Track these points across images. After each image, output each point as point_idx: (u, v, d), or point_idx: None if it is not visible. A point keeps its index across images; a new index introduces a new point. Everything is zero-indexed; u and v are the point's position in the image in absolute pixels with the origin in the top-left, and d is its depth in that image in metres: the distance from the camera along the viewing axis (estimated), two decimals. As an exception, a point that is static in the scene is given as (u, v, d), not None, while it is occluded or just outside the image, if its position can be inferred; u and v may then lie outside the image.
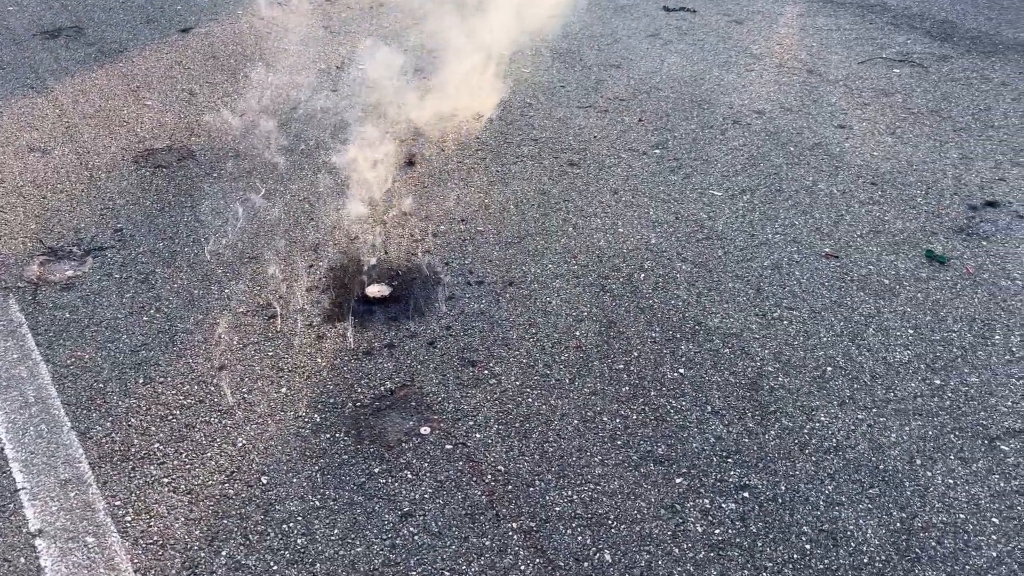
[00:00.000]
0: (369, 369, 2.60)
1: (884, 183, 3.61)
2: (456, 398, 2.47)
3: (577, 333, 2.75)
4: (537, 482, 2.20)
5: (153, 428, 2.38)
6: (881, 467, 2.21)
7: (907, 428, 2.32)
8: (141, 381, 2.55)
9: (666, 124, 4.23)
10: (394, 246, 3.21)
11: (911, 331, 2.70)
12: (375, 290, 2.93)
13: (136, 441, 2.33)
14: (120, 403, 2.46)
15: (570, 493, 2.16)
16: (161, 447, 2.32)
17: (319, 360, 2.64)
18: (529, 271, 3.06)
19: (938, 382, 2.48)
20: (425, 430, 2.36)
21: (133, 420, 2.40)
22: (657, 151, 3.95)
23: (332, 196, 3.54)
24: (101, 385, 2.53)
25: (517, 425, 2.37)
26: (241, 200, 3.51)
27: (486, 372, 2.58)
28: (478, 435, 2.34)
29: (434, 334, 2.74)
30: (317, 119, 4.21)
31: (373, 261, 3.12)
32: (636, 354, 2.63)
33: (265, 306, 2.88)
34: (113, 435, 2.35)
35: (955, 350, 2.61)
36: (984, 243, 3.17)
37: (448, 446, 2.31)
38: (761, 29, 5.47)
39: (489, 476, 2.22)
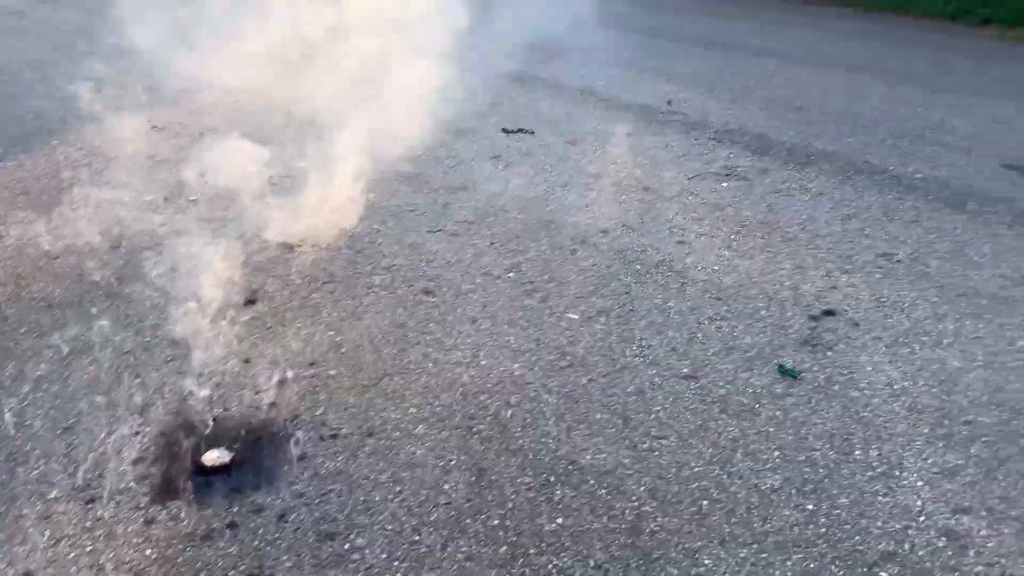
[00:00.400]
0: (209, 557, 2.26)
1: (728, 298, 3.72)
2: (315, 583, 2.18)
3: (446, 487, 2.54)
4: None
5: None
6: (770, 610, 2.12)
7: (789, 563, 2.27)
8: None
9: (517, 246, 4.21)
10: (234, 400, 2.91)
11: (777, 453, 2.70)
12: (213, 457, 2.61)
13: None
14: None
15: None
16: None
17: (148, 552, 2.27)
18: (389, 417, 2.85)
19: (810, 507, 2.47)
20: (280, 629, 2.05)
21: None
22: (511, 275, 3.90)
23: (160, 347, 3.20)
24: None
25: (387, 609, 2.11)
26: (53, 358, 3.09)
27: (347, 546, 2.31)
28: (341, 627, 2.06)
29: (284, 504, 2.45)
30: (142, 258, 3.87)
31: (210, 421, 2.80)
32: (511, 505, 2.46)
33: (82, 488, 2.48)
34: None
35: (821, 470, 2.62)
36: (829, 353, 3.29)
37: (307, 647, 2.01)
38: (596, 149, 5.69)
39: None
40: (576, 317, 3.54)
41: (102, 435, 2.71)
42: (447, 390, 3.02)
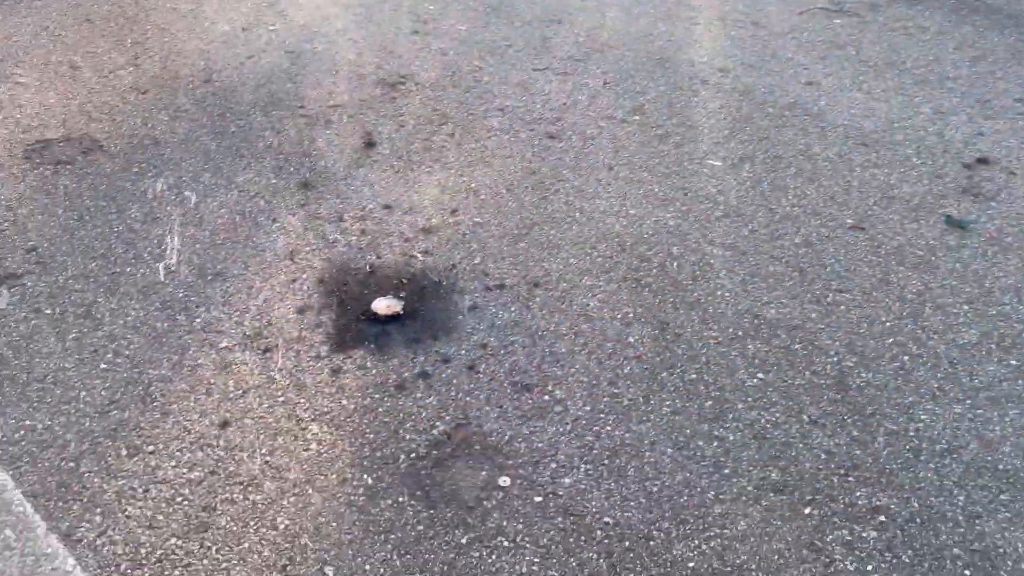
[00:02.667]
0: (410, 408, 2.17)
1: (874, 144, 3.49)
2: (525, 435, 2.11)
3: (631, 339, 2.43)
4: (655, 533, 1.89)
5: (161, 517, 1.86)
6: (1000, 467, 2.06)
7: (1007, 419, 2.18)
8: (125, 453, 2.00)
9: (634, 87, 3.91)
10: (385, 248, 2.75)
11: (967, 307, 2.58)
12: (383, 305, 2.47)
13: (144, 539, 1.81)
14: (105, 487, 1.92)
15: (697, 543, 1.87)
16: (179, 543, 1.81)
17: (344, 402, 2.18)
18: (551, 268, 2.70)
19: (1014, 363, 2.36)
20: (504, 481, 1.98)
21: (130, 509, 1.87)
22: (636, 118, 3.64)
23: (288, 188, 3.00)
24: (72, 465, 1.96)
25: (606, 462, 2.05)
26: (177, 200, 2.89)
27: (547, 398, 2.22)
28: (567, 480, 2.00)
29: (470, 355, 2.34)
30: (239, 88, 3.58)
31: (367, 269, 2.65)
32: (704, 360, 2.36)
33: (253, 337, 2.36)
34: (110, 534, 1.82)
35: (1016, 325, 2.50)
36: (993, 203, 3.10)
37: (537, 498, 1.95)
38: (694, -22, 5.21)
39: (599, 532, 1.89)
40: (719, 164, 3.32)
41: (257, 282, 2.56)
42: (603, 240, 2.85)
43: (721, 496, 1.98)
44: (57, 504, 1.88)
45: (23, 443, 2.01)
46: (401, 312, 2.46)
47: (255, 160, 3.14)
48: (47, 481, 1.93)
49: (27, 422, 2.06)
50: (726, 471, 2.05)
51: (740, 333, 2.47)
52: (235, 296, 2.51)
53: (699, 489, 2.00)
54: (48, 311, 2.41)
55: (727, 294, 2.62)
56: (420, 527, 1.88)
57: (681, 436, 2.13)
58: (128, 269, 2.59)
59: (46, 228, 2.73)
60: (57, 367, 2.23)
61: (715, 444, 2.11)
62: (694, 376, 2.31)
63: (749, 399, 2.24)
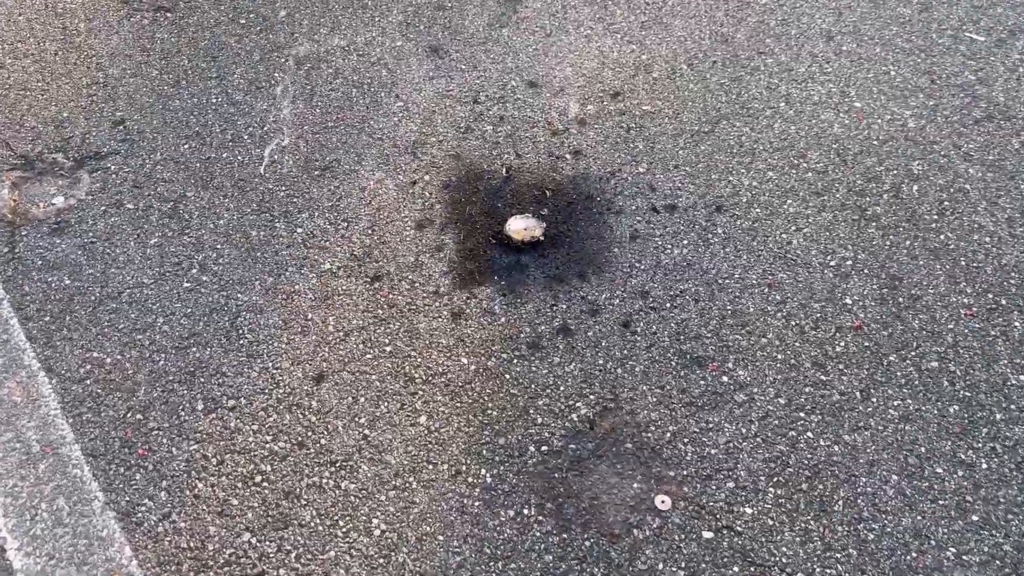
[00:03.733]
0: (544, 377, 1.68)
1: None
2: (693, 433, 1.58)
3: (848, 300, 1.79)
4: (871, 608, 1.36)
5: (235, 502, 1.51)
6: None
7: None
8: (201, 407, 1.64)
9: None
10: (527, 144, 2.16)
11: None
12: (520, 227, 1.93)
13: (213, 531, 1.48)
14: (175, 452, 1.58)
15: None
16: (253, 541, 1.46)
17: (464, 360, 1.72)
18: (741, 184, 2.04)
19: None
20: (662, 501, 1.49)
21: (200, 486, 1.53)
22: (865, -34, 2.72)
23: (415, 53, 2.42)
24: (139, 417, 1.63)
25: (804, 487, 1.50)
26: (286, 63, 2.39)
27: (725, 379, 1.66)
28: (748, 509, 1.48)
29: (626, 306, 1.79)
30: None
31: (503, 172, 2.09)
32: (951, 340, 1.70)
33: (361, 259, 1.90)
34: (175, 519, 1.49)
35: None
36: None
37: (707, 533, 1.45)
38: None
39: (789, 596, 1.38)
40: (982, 39, 2.42)
41: (371, 182, 2.07)
42: (815, 146, 2.13)
43: (966, 557, 1.41)
44: (119, 471, 1.56)
45: (88, 382, 1.69)
46: (541, 238, 1.92)
47: (380, 14, 2.56)
48: (110, 437, 1.61)
49: (95, 354, 1.74)
50: (974, 518, 1.46)
51: (1005, 302, 1.77)
52: (344, 200, 2.04)
53: (933, 543, 1.43)
54: (130, 205, 2.03)
55: (987, 240, 1.90)
56: (548, 557, 1.44)
57: (912, 457, 1.55)
58: (224, 154, 2.16)
59: (138, 95, 2.32)
60: (135, 281, 1.88)
61: (960, 474, 1.52)
62: (935, 364, 1.68)
63: (1013, 408, 1.60)
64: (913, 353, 1.70)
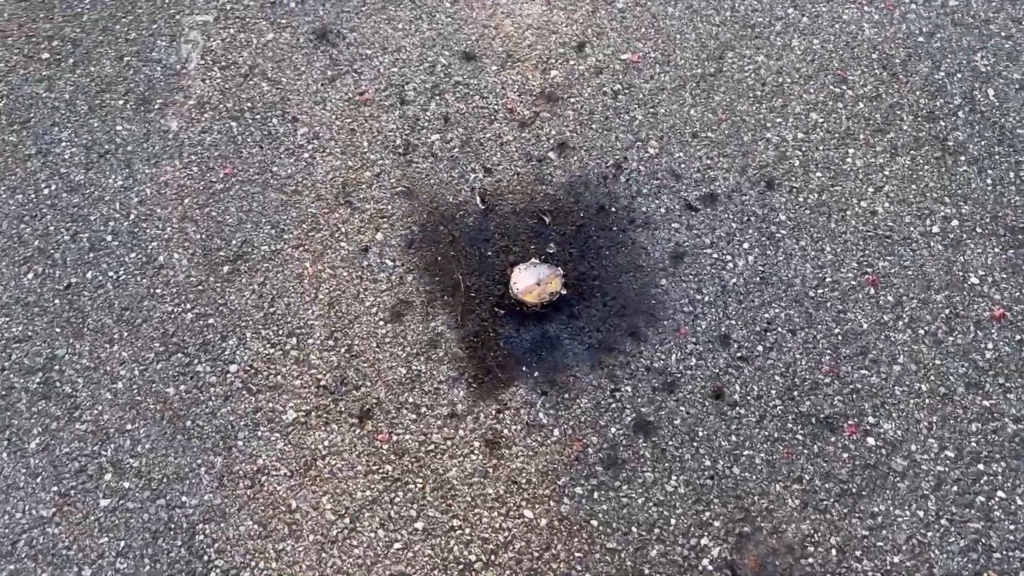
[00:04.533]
0: (643, 509, 1.24)
1: None
2: (863, 540, 1.18)
3: (973, 279, 1.39)
4: None
5: None
6: None
7: None
8: None
9: None
10: (491, 148, 1.61)
11: None
12: (530, 284, 1.42)
13: None
14: None
15: None
16: None
17: (528, 513, 1.26)
18: (783, 140, 1.56)
19: None
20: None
21: None
22: None
23: (300, 48, 1.77)
24: None
25: (1027, 578, 1.13)
26: (125, 104, 1.71)
27: (872, 442, 1.26)
28: (971, 633, 1.10)
29: (709, 368, 1.34)
30: None
31: (478, 202, 1.54)
32: (1120, 307, 1.32)
33: (335, 390, 1.37)
34: None
35: None
36: None
37: None
38: None
39: None
40: None
41: (306, 265, 1.49)
42: (851, 62, 1.66)
43: None
44: None
45: None
46: (563, 291, 1.41)
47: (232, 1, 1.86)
48: None
49: None
50: None
51: None
52: (279, 303, 1.47)
53: None
54: (-21, 396, 1.40)
55: (1107, 148, 1.49)
56: None
57: None
58: (89, 273, 1.52)
59: (-71, 211, 1.61)
60: (30, 520, 1.29)
61: None
62: (1115, 349, 1.29)
63: None
64: (1081, 337, 1.31)
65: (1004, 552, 1.18)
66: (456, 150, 1.62)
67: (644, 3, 1.78)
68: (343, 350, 1.41)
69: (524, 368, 1.37)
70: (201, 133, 1.66)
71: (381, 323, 1.43)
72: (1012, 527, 1.19)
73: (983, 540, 1.19)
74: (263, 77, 1.73)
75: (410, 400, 1.36)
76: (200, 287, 1.49)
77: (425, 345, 1.41)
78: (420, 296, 1.46)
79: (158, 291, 1.48)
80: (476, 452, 1.30)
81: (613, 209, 1.53)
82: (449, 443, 1.31)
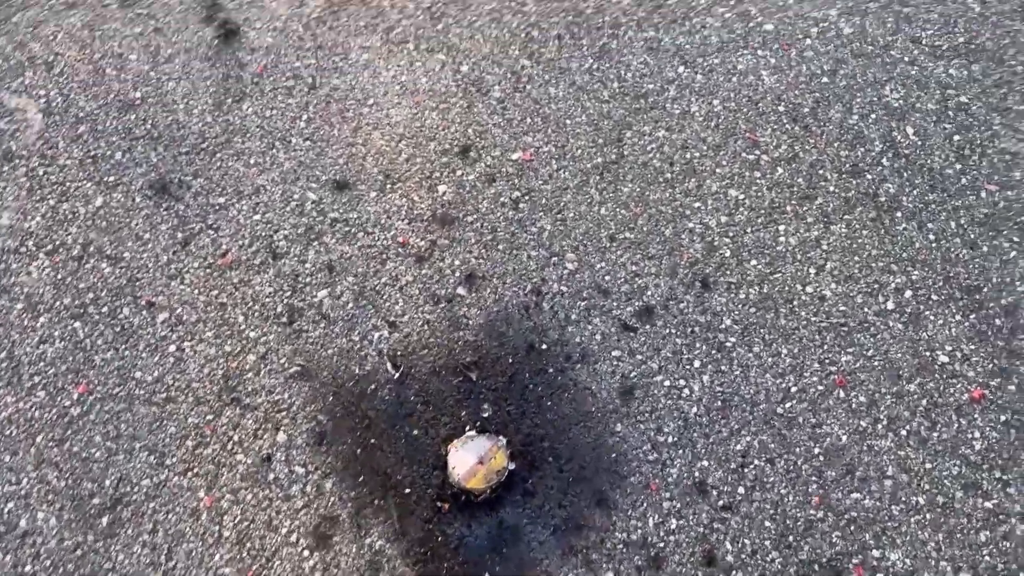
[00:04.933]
0: None
1: None
2: None
3: (942, 356, 1.28)
4: None
5: None
6: None
7: None
8: None
9: None
10: (389, 295, 1.40)
11: None
12: (470, 466, 1.24)
13: None
14: None
15: None
16: None
17: None
18: (707, 227, 1.42)
19: None
20: None
21: None
22: None
23: (138, 210, 1.51)
24: None
25: None
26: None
27: (885, 579, 1.13)
28: None
29: (691, 529, 1.19)
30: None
31: (390, 368, 1.33)
32: (1095, 363, 1.24)
33: (267, 650, 1.14)
34: None
35: None
36: None
37: None
38: None
39: None
40: None
41: (199, 495, 1.25)
42: (758, 120, 1.52)
43: None
44: None
45: None
46: (510, 466, 1.22)
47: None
48: None
49: None
50: None
51: (1115, 269, 1.31)
52: (178, 551, 1.21)
53: None
54: None
55: (1038, 177, 1.40)
56: None
57: None
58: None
59: None
60: None
61: None
62: (1101, 412, 1.21)
63: None
64: (1065, 405, 1.22)
65: None
66: (350, 305, 1.40)
67: (523, 88, 1.59)
68: (269, 598, 1.18)
69: (486, 575, 1.17)
70: (40, 344, 1.37)
71: (306, 553, 1.21)
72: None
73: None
74: (101, 256, 1.45)
75: (362, 645, 1.14)
76: (79, 551, 1.22)
77: (364, 572, 1.19)
78: (346, 507, 1.23)
79: (27, 569, 1.21)
80: None
81: (544, 346, 1.34)
82: None
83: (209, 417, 1.32)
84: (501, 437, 1.25)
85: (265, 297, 1.42)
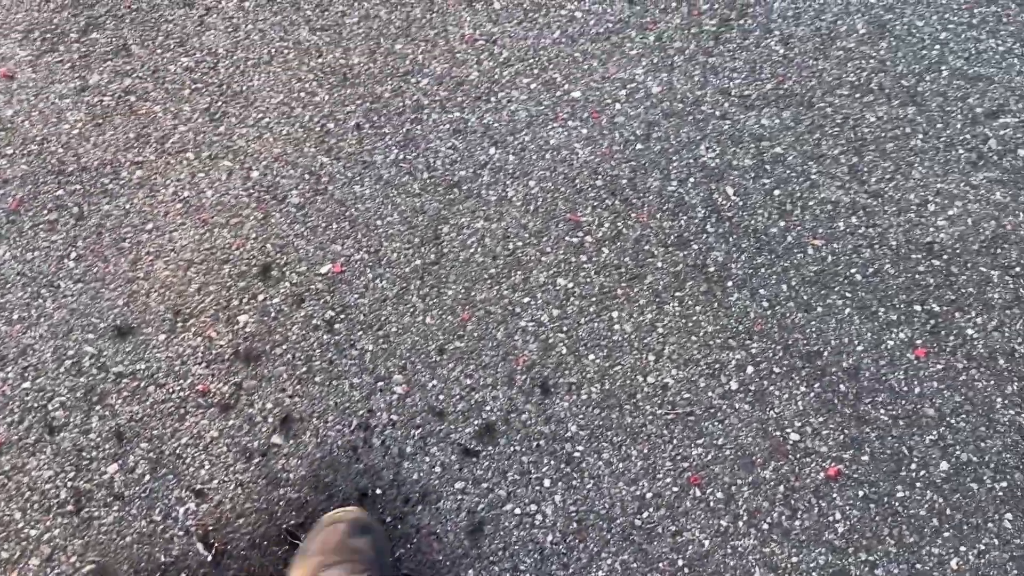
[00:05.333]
0: None
1: None
2: None
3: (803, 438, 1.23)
4: None
5: None
6: None
7: None
8: None
9: None
10: (193, 459, 1.24)
11: None
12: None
13: None
14: None
15: None
16: None
17: None
18: (539, 322, 1.32)
19: None
20: None
21: None
22: None
23: None
24: None
25: None
26: None
27: None
28: None
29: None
30: None
31: (204, 550, 1.15)
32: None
33: None
34: None
35: None
36: None
37: None
38: None
39: None
40: None
41: None
42: (579, 201, 1.44)
43: None
44: None
45: None
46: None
47: None
48: None
49: None
50: None
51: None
52: None
53: None
54: None
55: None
56: None
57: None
58: None
59: None
60: None
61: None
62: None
63: None
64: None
65: None
66: (147, 478, 1.20)
67: (324, 189, 1.44)
68: None
69: None
70: None
71: None
72: None
73: None
74: None
75: None
76: None
77: None
78: None
79: None
80: None
81: (379, 491, 1.19)
82: None
83: (-17, 651, 1.09)
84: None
85: (44, 483, 1.21)
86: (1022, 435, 1.22)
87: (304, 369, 1.29)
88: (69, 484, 1.21)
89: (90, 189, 1.46)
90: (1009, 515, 1.17)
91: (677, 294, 1.34)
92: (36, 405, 1.26)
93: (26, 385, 1.28)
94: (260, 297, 1.35)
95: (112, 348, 1.31)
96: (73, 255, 1.39)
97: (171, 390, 1.27)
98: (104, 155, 1.48)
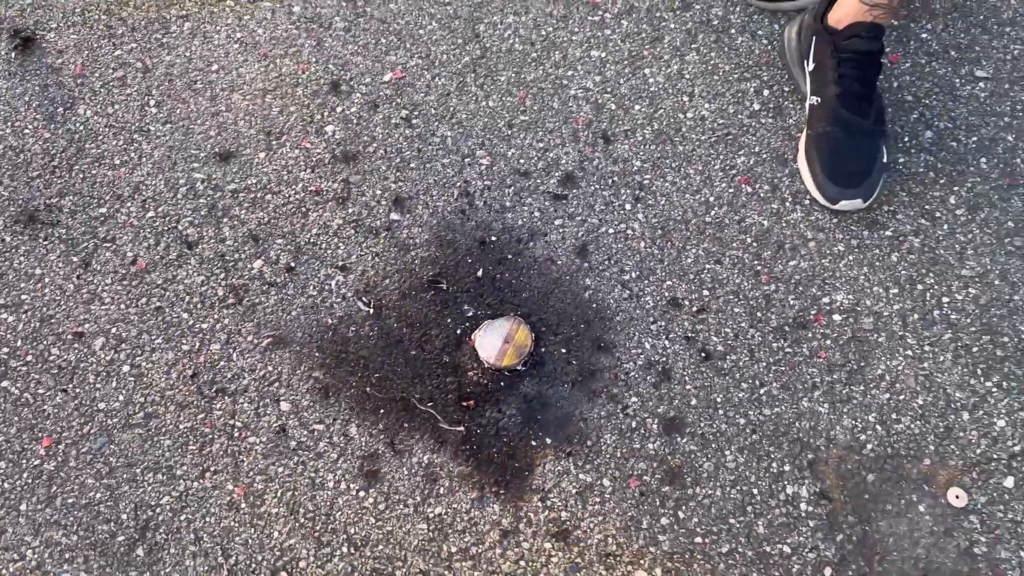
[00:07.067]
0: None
1: None
2: None
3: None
4: None
5: None
6: None
7: None
8: None
9: None
10: (344, 223, 1.41)
11: None
12: (499, 354, 1.31)
13: None
14: None
15: None
16: None
17: None
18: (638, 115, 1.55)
19: None
20: None
21: None
22: None
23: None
24: None
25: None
26: None
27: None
28: None
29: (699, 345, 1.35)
30: None
31: (363, 306, 1.36)
32: None
33: None
34: None
35: None
36: None
37: None
38: None
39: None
40: None
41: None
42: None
43: None
44: None
45: None
46: (533, 337, 1.31)
47: None
48: None
49: None
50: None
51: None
52: (232, 553, 1.18)
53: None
54: None
55: None
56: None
57: None
58: None
59: None
60: None
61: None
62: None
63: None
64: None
65: None
66: (294, 264, 1.38)
67: (363, 12, 1.59)
68: (344, 549, 1.19)
69: (534, 443, 1.26)
70: None
71: (361, 494, 1.22)
72: None
73: None
74: (-7, 308, 1.30)
75: (452, 549, 1.19)
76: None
77: (424, 485, 1.23)
78: (379, 439, 1.26)
79: (74, 636, 1.11)
80: (551, 551, 1.19)
81: (494, 238, 1.41)
82: (521, 562, 1.19)
83: (201, 416, 1.26)
84: (514, 315, 1.31)
85: (199, 287, 1.36)
86: None
87: (398, 159, 1.48)
88: (223, 283, 1.37)
89: (146, 46, 1.56)
90: None
91: (693, 46, 1.59)
92: (166, 228, 1.40)
93: (150, 215, 1.41)
94: (339, 109, 1.51)
95: (220, 171, 1.45)
96: (152, 102, 1.50)
97: (287, 195, 1.44)
98: (148, 15, 1.58)
